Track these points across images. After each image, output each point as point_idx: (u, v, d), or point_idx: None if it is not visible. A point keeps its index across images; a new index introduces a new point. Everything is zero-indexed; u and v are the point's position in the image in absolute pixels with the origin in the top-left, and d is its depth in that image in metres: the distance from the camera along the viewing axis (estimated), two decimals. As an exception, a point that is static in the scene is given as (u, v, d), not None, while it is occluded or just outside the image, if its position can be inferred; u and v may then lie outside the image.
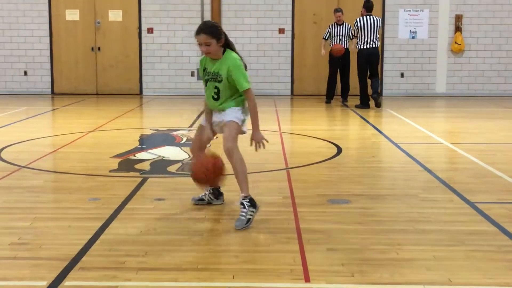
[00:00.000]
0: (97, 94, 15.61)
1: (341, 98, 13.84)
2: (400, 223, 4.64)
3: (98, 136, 8.95)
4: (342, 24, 13.36)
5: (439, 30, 15.30)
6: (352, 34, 13.17)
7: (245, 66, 4.67)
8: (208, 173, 4.54)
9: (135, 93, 15.62)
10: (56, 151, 7.74)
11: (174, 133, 8.94)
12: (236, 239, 4.24)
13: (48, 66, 15.58)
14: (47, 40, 15.46)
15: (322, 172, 6.54)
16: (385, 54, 15.38)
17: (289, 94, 15.53)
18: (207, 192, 5.05)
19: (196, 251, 4.01)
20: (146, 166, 6.75)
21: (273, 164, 6.86)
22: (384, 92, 15.50)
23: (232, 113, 4.68)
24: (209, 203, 5.05)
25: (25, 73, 15.59)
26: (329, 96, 13.75)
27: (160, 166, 6.73)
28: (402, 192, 5.63)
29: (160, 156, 7.27)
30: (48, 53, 15.52)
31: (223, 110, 4.71)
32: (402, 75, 15.47)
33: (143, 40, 15.43)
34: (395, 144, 8.16)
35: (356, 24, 12.55)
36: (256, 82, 15.44)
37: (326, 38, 13.51)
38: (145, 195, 5.47)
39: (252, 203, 4.56)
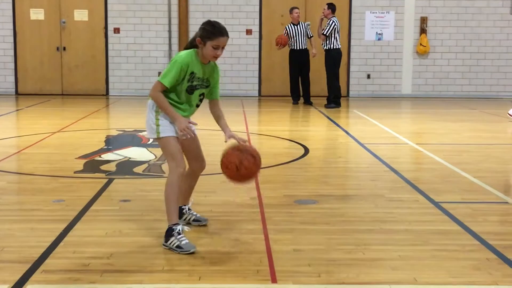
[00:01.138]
0: (62, 94, 15.41)
1: (303, 99, 13.77)
2: (366, 223, 4.66)
3: (64, 137, 8.83)
4: (298, 23, 13.38)
5: (405, 32, 15.46)
6: (321, 32, 13.17)
7: None
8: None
9: (101, 93, 15.46)
10: (20, 152, 7.61)
11: (141, 134, 8.86)
12: (203, 240, 4.21)
13: (12, 66, 15.33)
14: (11, 39, 15.21)
15: (289, 173, 6.55)
16: (352, 55, 15.48)
17: (257, 95, 15.53)
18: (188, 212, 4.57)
19: (162, 253, 3.97)
20: (112, 167, 6.67)
21: (240, 164, 6.83)
22: (351, 93, 15.60)
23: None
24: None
25: (-11, 73, 15.31)
26: (294, 97, 13.77)
27: (126, 167, 6.66)
28: (368, 192, 5.66)
29: (126, 157, 7.20)
30: (12, 52, 15.27)
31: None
32: (368, 76, 15.59)
33: (110, 40, 15.29)
34: (362, 145, 8.21)
35: (334, 24, 12.65)
36: (223, 83, 15.41)
37: None
38: (110, 197, 5.40)
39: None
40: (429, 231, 4.47)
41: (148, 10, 15.13)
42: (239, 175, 3.97)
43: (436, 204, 5.21)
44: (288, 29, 13.40)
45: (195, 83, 4.14)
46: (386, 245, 4.16)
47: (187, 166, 4.32)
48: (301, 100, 13.87)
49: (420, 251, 4.03)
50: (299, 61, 13.43)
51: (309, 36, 13.43)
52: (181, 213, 4.50)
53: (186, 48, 4.22)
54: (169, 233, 4.04)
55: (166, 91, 4.10)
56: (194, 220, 4.53)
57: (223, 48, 4.11)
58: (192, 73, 4.10)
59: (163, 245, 4.05)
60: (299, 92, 13.80)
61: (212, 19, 4.26)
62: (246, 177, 4.00)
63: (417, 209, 5.11)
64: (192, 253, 3.91)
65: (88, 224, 4.55)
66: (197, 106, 4.31)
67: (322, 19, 13.09)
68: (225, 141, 4.25)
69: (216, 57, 4.12)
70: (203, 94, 4.26)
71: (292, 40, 13.37)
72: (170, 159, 4.14)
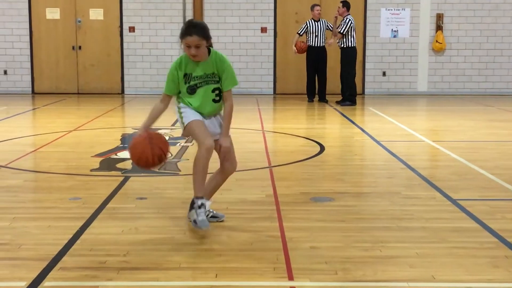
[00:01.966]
0: (78, 93, 15.48)
1: (319, 97, 13.72)
2: (383, 221, 4.63)
3: (79, 135, 8.87)
4: (319, 20, 13.35)
5: (421, 29, 15.37)
6: (336, 30, 13.13)
7: None
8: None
9: (116, 92, 15.52)
10: (37, 150, 7.65)
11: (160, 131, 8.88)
12: (219, 237, 4.21)
13: (28, 65, 15.42)
14: (27, 39, 15.31)
15: (305, 170, 6.53)
16: (367, 53, 15.42)
17: (272, 93, 15.51)
18: (203, 204, 4.33)
19: (178, 250, 3.97)
20: (127, 165, 6.69)
21: (256, 162, 6.83)
22: (366, 90, 15.54)
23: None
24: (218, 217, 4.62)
25: (5, 72, 15.42)
26: (310, 95, 13.73)
27: (142, 165, 6.66)
28: (384, 190, 5.63)
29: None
30: (28, 52, 15.36)
31: (219, 113, 4.39)
32: (384, 73, 15.52)
33: (125, 39, 15.33)
34: (378, 142, 8.17)
35: (350, 22, 12.65)
36: (238, 81, 15.37)
37: (301, 34, 13.42)
38: (126, 194, 5.42)
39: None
40: (447, 228, 4.43)
41: (163, 8, 15.16)
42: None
43: (453, 202, 5.16)
44: (308, 25, 13.34)
45: (193, 82, 4.23)
46: (403, 242, 4.13)
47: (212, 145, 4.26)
48: (316, 97, 13.82)
49: (438, 249, 4.00)
50: (316, 58, 13.38)
51: (331, 29, 13.31)
52: (192, 206, 4.45)
53: None
54: (192, 205, 4.25)
55: (184, 96, 4.30)
56: (211, 217, 4.53)
57: (196, 47, 4.13)
58: (185, 74, 4.22)
59: (188, 215, 4.38)
60: (315, 90, 13.75)
61: (191, 19, 4.28)
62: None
63: (434, 206, 5.08)
64: (205, 230, 4.16)
65: (105, 222, 4.56)
66: (216, 101, 4.32)
67: (336, 18, 13.03)
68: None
69: (192, 56, 4.17)
70: (217, 89, 4.30)
71: (311, 37, 13.32)
72: (196, 139, 4.26)
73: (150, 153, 4.12)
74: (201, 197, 4.21)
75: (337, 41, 13.04)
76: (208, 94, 4.27)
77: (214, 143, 4.27)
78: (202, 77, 4.25)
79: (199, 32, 4.16)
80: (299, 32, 13.46)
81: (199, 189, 4.22)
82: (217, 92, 4.31)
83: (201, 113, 4.29)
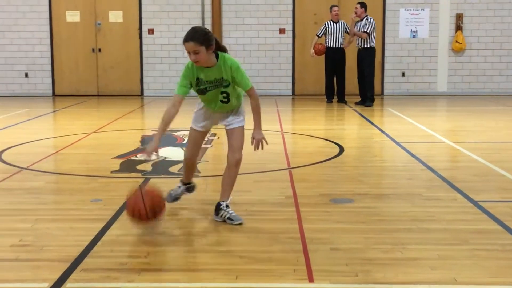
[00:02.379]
0: (98, 95, 15.59)
1: (338, 97, 13.67)
2: (403, 222, 4.61)
3: (100, 137, 8.93)
4: (338, 21, 13.31)
5: (440, 29, 15.27)
6: (354, 31, 13.12)
7: None
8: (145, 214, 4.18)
9: (136, 94, 15.60)
10: (58, 152, 7.71)
11: (176, 133, 8.91)
12: (239, 239, 4.22)
13: (49, 67, 15.55)
14: (48, 41, 15.44)
15: (325, 172, 6.52)
16: (386, 53, 15.35)
17: (291, 94, 15.50)
18: (180, 187, 5.00)
19: (199, 251, 3.98)
20: (147, 166, 6.72)
21: (275, 164, 6.83)
22: (385, 91, 15.47)
23: (240, 115, 4.66)
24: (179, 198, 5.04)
25: (26, 75, 15.56)
26: (328, 96, 13.70)
27: (162, 167, 6.71)
28: (405, 191, 5.60)
29: (161, 156, 7.24)
30: (48, 54, 15.49)
31: (231, 110, 4.62)
32: (403, 74, 15.44)
33: (144, 41, 15.41)
34: (397, 143, 8.13)
35: (372, 22, 12.64)
36: (257, 83, 15.41)
37: (320, 35, 13.41)
38: (147, 196, 5.43)
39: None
40: (468, 230, 4.40)
41: (182, 10, 15.22)
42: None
43: (475, 203, 5.13)
44: (326, 26, 13.32)
45: (202, 86, 4.47)
46: (424, 244, 4.11)
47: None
48: (335, 98, 13.78)
49: (459, 251, 3.97)
50: (334, 60, 13.35)
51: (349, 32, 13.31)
52: (218, 209, 4.59)
53: None
54: (218, 207, 4.57)
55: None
56: (228, 218, 4.54)
57: (194, 52, 4.28)
58: (197, 78, 4.46)
59: (215, 218, 4.58)
60: (333, 91, 13.72)
61: (196, 26, 4.46)
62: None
63: (455, 208, 5.04)
64: (240, 224, 4.46)
65: (125, 223, 4.58)
66: (224, 102, 4.55)
67: (353, 18, 12.97)
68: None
69: (193, 61, 4.35)
70: (225, 92, 4.50)
71: (329, 38, 13.29)
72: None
73: (142, 206, 4.15)
74: (223, 200, 4.61)
75: (356, 42, 13.00)
76: (217, 96, 4.51)
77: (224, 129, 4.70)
78: (211, 82, 4.45)
79: (196, 38, 4.27)
80: (318, 34, 13.45)
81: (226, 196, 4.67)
82: (225, 95, 4.51)
83: (211, 110, 4.61)
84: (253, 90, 4.53)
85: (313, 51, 13.26)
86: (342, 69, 13.47)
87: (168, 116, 4.44)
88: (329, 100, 13.63)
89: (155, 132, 4.51)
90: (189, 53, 4.31)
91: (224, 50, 4.54)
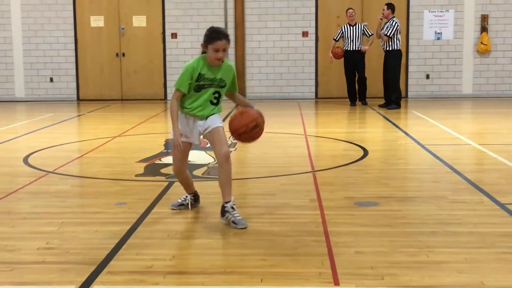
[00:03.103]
0: (122, 99, 15.70)
1: (359, 98, 13.62)
2: (429, 225, 4.56)
3: (124, 141, 8.99)
4: (355, 24, 13.24)
5: (465, 30, 15.13)
6: (381, 33, 13.08)
7: None
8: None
9: (159, 98, 15.68)
10: (82, 156, 7.78)
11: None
12: (263, 242, 4.21)
13: (74, 72, 15.70)
14: (73, 46, 15.60)
15: (349, 175, 6.48)
16: (410, 55, 15.25)
17: (314, 97, 15.47)
18: (187, 197, 5.05)
19: (223, 255, 3.99)
20: (171, 170, 6.73)
21: (299, 167, 6.82)
22: (410, 93, 15.37)
23: (218, 119, 4.74)
24: (188, 207, 5.04)
25: (51, 79, 15.74)
26: (351, 99, 13.63)
27: (186, 170, 6.71)
28: (430, 194, 5.55)
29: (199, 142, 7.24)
30: (73, 59, 15.65)
31: (210, 116, 4.70)
32: (427, 76, 15.32)
33: (167, 45, 15.49)
34: (422, 146, 8.07)
35: (397, 24, 12.61)
36: (280, 86, 15.42)
37: (336, 39, 13.37)
38: (171, 199, 5.45)
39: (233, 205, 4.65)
40: (495, 233, 4.35)
41: (205, 14, 15.27)
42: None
43: (502, 206, 5.06)
44: (343, 30, 13.27)
45: (202, 82, 4.62)
46: (451, 247, 4.06)
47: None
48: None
49: (487, 254, 3.92)
50: (353, 63, 13.29)
51: (369, 35, 13.27)
52: (223, 211, 4.62)
53: (202, 53, 4.71)
54: (223, 209, 4.59)
55: (186, 97, 4.69)
56: (232, 222, 4.55)
57: (224, 50, 4.55)
58: (199, 74, 4.60)
59: (221, 220, 4.61)
60: (356, 94, 13.67)
61: (214, 26, 4.72)
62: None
63: (481, 211, 4.98)
64: (244, 228, 4.42)
65: (150, 226, 4.60)
66: (213, 103, 4.70)
67: (381, 20, 12.90)
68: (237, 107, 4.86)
69: (218, 59, 4.56)
70: (217, 92, 4.69)
71: (347, 42, 13.24)
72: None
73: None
74: (229, 200, 4.61)
75: (381, 44, 12.93)
76: (209, 95, 4.67)
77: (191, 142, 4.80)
78: (211, 80, 4.64)
79: (227, 37, 4.58)
80: (334, 38, 13.45)
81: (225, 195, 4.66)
82: (216, 95, 4.69)
83: (195, 114, 4.67)
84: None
85: (331, 55, 13.25)
86: (362, 72, 13.40)
87: (175, 109, 4.66)
88: (353, 103, 13.58)
89: (171, 120, 4.69)
90: (217, 51, 4.52)
91: None
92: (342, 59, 13.39)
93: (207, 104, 4.69)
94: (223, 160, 4.62)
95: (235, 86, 4.82)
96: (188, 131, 4.73)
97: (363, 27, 13.29)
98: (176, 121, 4.65)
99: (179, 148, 4.59)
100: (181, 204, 5.05)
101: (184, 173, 4.95)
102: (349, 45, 13.23)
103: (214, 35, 4.55)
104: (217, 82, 4.66)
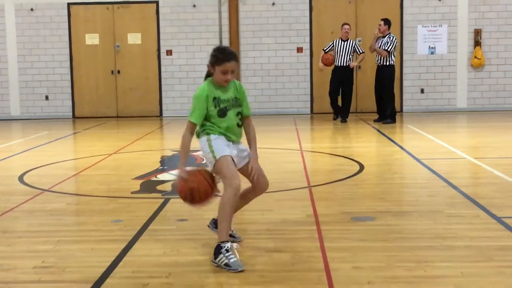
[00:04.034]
0: (117, 117, 15.70)
1: (340, 116, 13.42)
2: (426, 240, 4.56)
3: (120, 158, 8.98)
4: (347, 40, 13.26)
5: (459, 45, 15.21)
6: (361, 49, 13.20)
7: None
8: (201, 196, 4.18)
9: (155, 115, 15.69)
10: (78, 174, 7.76)
11: (195, 153, 8.93)
12: (261, 258, 4.20)
13: (69, 90, 15.71)
14: (68, 64, 15.62)
15: (345, 190, 6.48)
16: (405, 70, 15.32)
17: (309, 112, 15.50)
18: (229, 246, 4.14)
19: (220, 271, 3.97)
20: (167, 187, 6.73)
21: (295, 182, 6.81)
22: (404, 108, 15.41)
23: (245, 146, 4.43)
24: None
25: (47, 97, 15.74)
26: (335, 113, 13.52)
27: (182, 187, 6.70)
28: (427, 208, 5.55)
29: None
30: (68, 77, 15.66)
31: (239, 140, 4.39)
32: (422, 91, 15.38)
33: (162, 62, 15.52)
34: (418, 160, 8.08)
35: (394, 41, 12.70)
36: (275, 101, 15.44)
37: (326, 51, 13.32)
38: (167, 216, 5.45)
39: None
40: (492, 247, 4.34)
41: (200, 31, 15.32)
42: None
43: (498, 220, 5.06)
44: (334, 44, 13.25)
45: (222, 105, 4.24)
46: (448, 262, 4.06)
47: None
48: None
49: (484, 268, 3.92)
50: (341, 79, 13.24)
51: (360, 53, 13.30)
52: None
53: (206, 77, 4.38)
54: (218, 250, 4.06)
55: (210, 122, 4.26)
56: (231, 236, 4.41)
57: (232, 72, 4.21)
58: (214, 98, 4.23)
59: (212, 261, 4.07)
60: (338, 108, 13.52)
61: (221, 46, 4.35)
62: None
63: (478, 224, 4.98)
64: (241, 271, 3.90)
65: (146, 244, 4.59)
66: (239, 126, 4.37)
67: (376, 35, 12.92)
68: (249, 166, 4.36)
69: (226, 81, 4.23)
70: (240, 113, 4.35)
71: (337, 56, 13.19)
72: (224, 178, 4.17)
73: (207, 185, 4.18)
74: (226, 241, 4.09)
75: (376, 59, 12.98)
76: (234, 117, 4.31)
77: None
78: (229, 100, 4.29)
79: (236, 58, 4.26)
80: (324, 49, 13.43)
81: (225, 234, 4.12)
82: (239, 116, 4.35)
83: (229, 138, 4.28)
84: (251, 117, 4.47)
85: (322, 63, 13.20)
86: (349, 88, 13.36)
87: (188, 144, 4.28)
88: (336, 116, 13.50)
89: (177, 156, 4.47)
90: (225, 73, 4.20)
91: None
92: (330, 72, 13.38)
93: (234, 127, 4.31)
94: (264, 189, 4.45)
95: (248, 105, 4.40)
96: (228, 146, 4.29)
97: (355, 44, 13.29)
98: (184, 158, 4.29)
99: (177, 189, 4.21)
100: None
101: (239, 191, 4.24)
102: (338, 61, 13.19)
103: (221, 56, 4.19)
104: (234, 101, 4.30)
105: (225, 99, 4.27)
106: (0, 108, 15.74)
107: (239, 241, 4.48)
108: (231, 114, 4.29)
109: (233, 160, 4.21)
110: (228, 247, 4.04)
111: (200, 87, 4.30)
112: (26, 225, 5.24)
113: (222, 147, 4.21)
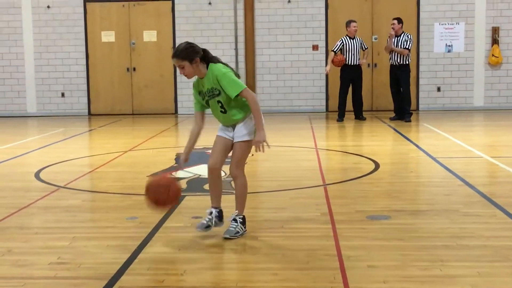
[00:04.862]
0: (133, 114, 15.75)
1: (355, 115, 13.39)
2: (441, 239, 4.53)
3: (135, 155, 9.00)
4: (354, 37, 13.14)
5: (476, 43, 15.10)
6: (365, 45, 13.14)
7: (234, 72, 4.63)
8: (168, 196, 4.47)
9: (170, 112, 15.72)
10: (94, 171, 7.80)
11: (208, 151, 8.94)
12: (275, 256, 4.19)
13: (85, 87, 15.79)
14: (84, 62, 15.69)
15: (360, 188, 6.46)
16: (421, 68, 15.23)
17: (324, 110, 15.46)
18: (211, 217, 4.67)
19: (235, 269, 3.97)
20: (182, 184, 6.74)
21: (310, 180, 6.80)
22: (421, 106, 15.33)
23: (244, 129, 4.65)
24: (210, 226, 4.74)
25: (63, 95, 15.82)
26: (341, 114, 13.28)
27: (197, 184, 6.73)
28: (442, 207, 5.52)
29: (196, 174, 7.27)
30: (84, 74, 15.73)
31: (236, 124, 4.67)
32: (438, 89, 15.28)
33: (178, 60, 15.50)
34: (434, 159, 8.03)
35: (411, 39, 12.68)
36: (290, 99, 15.43)
37: (335, 51, 13.11)
38: (182, 213, 5.45)
39: (244, 222, 4.69)
40: (509, 246, 4.31)
41: (215, 29, 15.33)
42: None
43: (515, 219, 5.02)
44: (344, 42, 13.09)
45: (206, 98, 4.68)
46: (464, 261, 4.03)
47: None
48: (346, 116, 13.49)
49: (500, 268, 3.89)
50: (352, 77, 13.14)
51: (364, 49, 13.19)
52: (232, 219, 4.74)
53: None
54: (244, 222, 4.68)
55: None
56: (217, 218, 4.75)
57: (180, 67, 4.57)
58: (199, 92, 4.71)
59: (232, 224, 4.65)
60: (345, 109, 13.38)
61: (182, 43, 4.65)
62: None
63: (494, 224, 4.94)
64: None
65: (162, 241, 4.60)
66: (223, 112, 4.67)
67: (391, 35, 12.82)
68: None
69: (185, 76, 4.63)
70: (219, 102, 4.63)
71: (347, 55, 13.01)
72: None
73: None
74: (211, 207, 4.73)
75: (391, 58, 12.90)
76: (216, 106, 4.66)
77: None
78: (207, 92, 4.64)
79: (177, 55, 4.56)
80: (334, 49, 13.15)
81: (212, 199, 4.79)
82: (220, 104, 4.62)
83: (222, 123, 4.77)
84: (246, 91, 4.53)
85: (331, 65, 13.02)
86: (359, 86, 13.27)
87: (192, 133, 4.82)
88: (341, 118, 13.24)
89: (193, 154, 4.84)
90: (179, 68, 4.58)
91: (214, 58, 4.65)
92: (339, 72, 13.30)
93: (220, 114, 4.69)
94: (233, 178, 4.75)
95: (228, 89, 4.51)
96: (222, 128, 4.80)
97: (361, 40, 13.18)
98: (188, 148, 4.81)
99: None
100: (208, 226, 4.67)
101: (217, 170, 4.74)
102: (349, 59, 13.05)
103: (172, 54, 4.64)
104: (211, 92, 4.60)
105: (205, 92, 4.65)
106: (16, 105, 15.86)
107: (221, 224, 4.75)
108: (212, 103, 4.66)
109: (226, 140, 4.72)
110: (208, 211, 4.68)
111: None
112: (42, 221, 5.27)
113: (219, 129, 4.80)
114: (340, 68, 13.19)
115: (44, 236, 4.81)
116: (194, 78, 4.71)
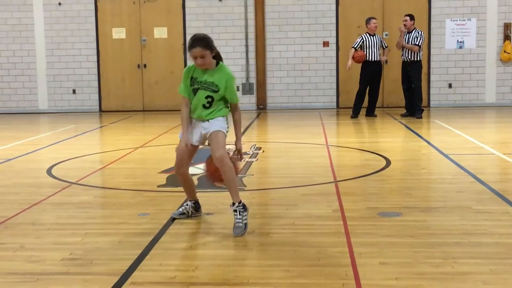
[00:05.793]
0: (143, 110, 15.79)
1: (368, 111, 13.33)
2: (453, 236, 4.51)
3: (146, 152, 9.02)
4: (374, 35, 13.09)
5: (487, 39, 15.02)
6: (385, 44, 13.14)
7: None
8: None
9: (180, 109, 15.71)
10: (105, 167, 7.82)
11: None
12: (287, 253, 4.19)
13: (96, 84, 15.84)
14: (95, 58, 15.74)
15: (371, 185, 6.44)
16: (432, 64, 15.17)
17: (335, 107, 15.43)
18: (187, 206, 5.10)
19: (246, 265, 3.97)
20: (193, 180, 6.74)
21: (321, 177, 6.79)
22: (432, 103, 15.28)
23: (219, 123, 4.78)
24: (189, 216, 5.09)
25: (74, 91, 15.88)
26: (356, 111, 13.23)
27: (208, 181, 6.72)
28: (454, 204, 5.49)
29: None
30: (95, 71, 15.78)
31: (210, 119, 4.78)
32: (450, 85, 15.22)
33: (188, 56, 15.52)
34: (445, 156, 8.00)
35: (422, 35, 12.69)
36: (301, 96, 15.41)
37: (356, 48, 13.04)
38: (193, 210, 5.45)
39: (244, 207, 4.71)
40: (522, 244, 4.29)
41: (226, 25, 15.34)
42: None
43: (528, 216, 5.00)
44: (364, 39, 13.09)
45: (195, 86, 4.75)
46: (476, 258, 4.01)
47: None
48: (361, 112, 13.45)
49: (513, 265, 3.87)
50: (372, 73, 13.14)
51: (384, 47, 13.18)
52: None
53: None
54: (245, 207, 4.71)
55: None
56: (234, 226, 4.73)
57: (201, 57, 4.63)
58: (192, 78, 4.78)
59: (237, 219, 4.66)
60: (362, 106, 13.34)
61: (197, 33, 4.80)
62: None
63: (507, 221, 4.92)
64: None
65: (173, 237, 4.61)
66: (205, 107, 4.77)
67: (402, 31, 12.77)
68: (234, 152, 4.89)
69: (199, 66, 4.69)
70: (210, 97, 4.73)
71: (367, 52, 13.02)
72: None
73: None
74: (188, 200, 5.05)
75: (403, 54, 12.85)
76: (201, 98, 4.75)
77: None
78: (202, 82, 4.73)
79: (201, 43, 4.63)
80: (354, 46, 13.08)
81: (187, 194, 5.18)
82: (209, 99, 4.74)
83: (192, 115, 4.88)
84: (238, 104, 4.88)
85: (351, 61, 12.98)
86: (378, 83, 13.24)
87: (186, 115, 4.90)
88: (355, 114, 13.19)
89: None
90: (195, 58, 4.63)
91: (220, 57, 4.86)
92: (359, 68, 13.26)
93: (199, 107, 4.77)
94: (219, 164, 4.69)
95: (231, 95, 4.78)
96: (192, 131, 4.90)
97: (381, 38, 13.16)
98: (185, 126, 4.89)
99: (182, 153, 4.81)
100: (182, 213, 5.07)
101: (184, 174, 4.99)
102: (369, 56, 13.06)
103: (190, 43, 4.66)
104: (207, 85, 4.71)
105: (200, 81, 4.73)
106: (28, 102, 15.94)
107: (199, 215, 5.08)
108: (200, 94, 4.74)
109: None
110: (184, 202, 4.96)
111: (188, 65, 4.86)
112: (54, 218, 5.30)
113: (188, 133, 4.92)
114: (360, 65, 13.15)
115: (56, 232, 4.83)
116: (190, 63, 4.82)
